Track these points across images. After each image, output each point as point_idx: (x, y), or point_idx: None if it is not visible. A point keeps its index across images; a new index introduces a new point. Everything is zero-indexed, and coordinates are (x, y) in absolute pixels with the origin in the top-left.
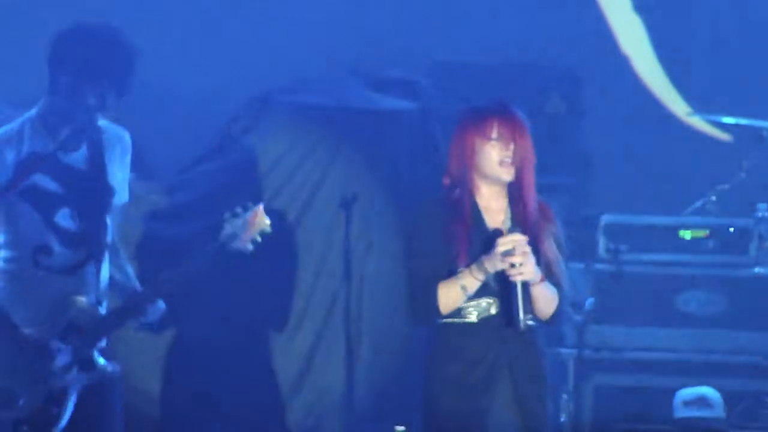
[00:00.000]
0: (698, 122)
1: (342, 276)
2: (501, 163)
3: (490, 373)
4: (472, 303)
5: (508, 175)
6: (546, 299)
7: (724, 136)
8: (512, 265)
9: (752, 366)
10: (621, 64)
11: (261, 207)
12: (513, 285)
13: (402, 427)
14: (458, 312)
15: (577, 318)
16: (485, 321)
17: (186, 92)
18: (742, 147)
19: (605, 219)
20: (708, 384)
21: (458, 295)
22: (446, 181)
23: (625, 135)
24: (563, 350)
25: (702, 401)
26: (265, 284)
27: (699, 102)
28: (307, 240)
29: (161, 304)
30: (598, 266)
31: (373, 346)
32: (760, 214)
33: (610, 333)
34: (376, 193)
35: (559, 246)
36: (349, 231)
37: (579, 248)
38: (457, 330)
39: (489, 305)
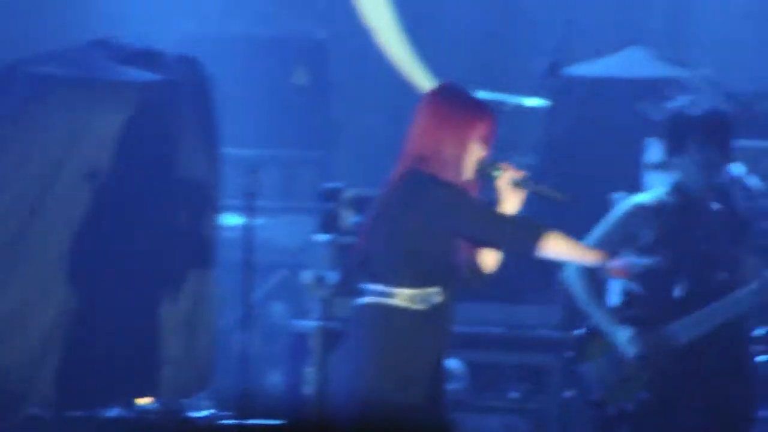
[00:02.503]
0: None
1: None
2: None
3: (429, 363)
4: (420, 291)
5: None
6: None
7: None
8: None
9: (495, 337)
10: (368, 37)
11: None
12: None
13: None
14: (401, 297)
15: (323, 291)
16: (430, 310)
17: None
18: None
19: (350, 192)
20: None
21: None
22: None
23: (372, 108)
24: (307, 323)
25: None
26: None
27: (444, 75)
28: (55, 213)
29: None
30: (344, 239)
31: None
32: None
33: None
34: (121, 166)
35: None
36: (97, 203)
37: (324, 221)
38: (399, 316)
39: (433, 294)
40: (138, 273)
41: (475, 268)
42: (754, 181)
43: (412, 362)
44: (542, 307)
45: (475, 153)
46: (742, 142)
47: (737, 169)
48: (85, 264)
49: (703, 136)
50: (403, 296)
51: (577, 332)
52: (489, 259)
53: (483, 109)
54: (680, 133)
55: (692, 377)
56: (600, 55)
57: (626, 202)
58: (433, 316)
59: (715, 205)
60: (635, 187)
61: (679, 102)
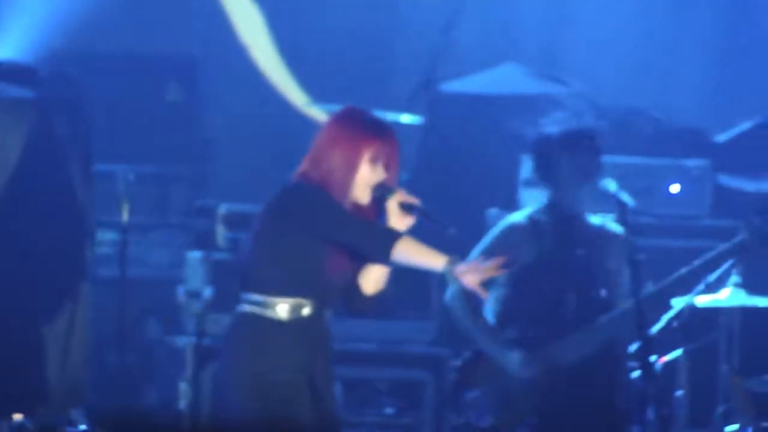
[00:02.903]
0: (317, 112)
1: None
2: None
3: (293, 373)
4: (287, 300)
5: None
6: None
7: None
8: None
9: (369, 353)
10: (242, 53)
11: None
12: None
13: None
14: (271, 306)
15: (197, 307)
16: (296, 321)
17: None
18: None
19: (224, 208)
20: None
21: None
22: (318, 177)
23: (247, 124)
24: (181, 339)
25: None
26: None
27: (318, 91)
28: None
29: None
30: (217, 255)
31: None
32: None
33: (228, 322)
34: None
35: None
36: None
37: (197, 237)
38: (267, 325)
39: (302, 306)
40: (12, 290)
41: (357, 289)
42: (625, 197)
43: (278, 371)
44: (416, 322)
45: (366, 174)
46: (614, 159)
47: (609, 184)
48: None
49: (568, 156)
50: (272, 305)
51: (462, 358)
52: (370, 280)
53: (377, 130)
54: (546, 154)
55: (577, 397)
56: (474, 72)
57: (501, 223)
58: (299, 327)
59: (588, 221)
60: (510, 203)
61: (545, 122)
